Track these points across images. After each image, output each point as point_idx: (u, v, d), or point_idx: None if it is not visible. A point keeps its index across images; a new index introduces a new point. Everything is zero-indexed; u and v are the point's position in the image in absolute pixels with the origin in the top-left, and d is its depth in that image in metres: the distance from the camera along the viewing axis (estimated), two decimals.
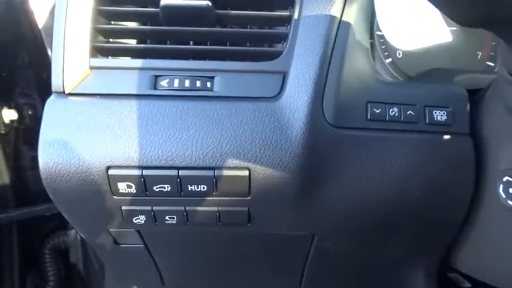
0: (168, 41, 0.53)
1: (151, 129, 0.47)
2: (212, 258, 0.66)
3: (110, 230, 0.55)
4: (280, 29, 0.52)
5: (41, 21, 0.85)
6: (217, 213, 0.51)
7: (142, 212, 0.50)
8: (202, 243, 0.61)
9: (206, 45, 0.52)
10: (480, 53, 0.61)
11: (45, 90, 0.86)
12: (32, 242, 0.91)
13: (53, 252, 0.93)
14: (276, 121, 0.47)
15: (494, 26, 0.39)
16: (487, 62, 0.60)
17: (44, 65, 0.85)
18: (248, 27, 0.54)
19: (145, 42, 0.53)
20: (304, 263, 0.64)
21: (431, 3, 0.38)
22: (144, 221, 0.51)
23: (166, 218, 0.51)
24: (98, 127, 0.46)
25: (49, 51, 0.86)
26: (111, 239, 0.57)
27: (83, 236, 0.58)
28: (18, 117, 0.85)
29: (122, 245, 0.59)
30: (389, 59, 0.59)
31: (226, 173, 0.47)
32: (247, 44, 0.53)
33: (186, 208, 0.50)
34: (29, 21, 0.82)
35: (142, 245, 0.59)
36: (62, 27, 0.49)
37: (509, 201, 0.44)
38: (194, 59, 0.51)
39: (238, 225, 0.53)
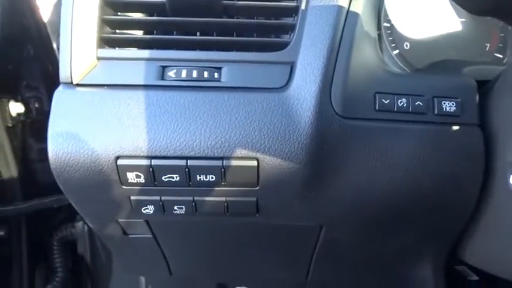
0: (174, 32, 0.53)
1: (159, 119, 0.47)
2: (220, 249, 0.66)
3: (119, 220, 0.55)
4: (288, 20, 0.52)
5: (45, 15, 0.86)
6: (226, 204, 0.51)
7: (151, 202, 0.51)
8: (210, 233, 0.61)
9: (213, 35, 0.52)
10: (488, 45, 0.60)
11: (51, 83, 0.87)
12: (40, 234, 0.92)
13: (61, 244, 0.94)
14: (284, 111, 0.47)
15: (505, 14, 0.39)
16: (496, 54, 0.60)
17: (50, 58, 0.85)
18: (255, 17, 0.54)
19: (152, 33, 0.53)
20: (311, 254, 0.64)
21: None
22: (153, 211, 0.51)
23: (175, 208, 0.51)
24: (106, 117, 0.47)
25: (54, 45, 0.86)
26: (120, 229, 0.58)
27: (92, 227, 0.59)
28: (25, 111, 0.85)
29: (130, 235, 0.59)
30: (397, 51, 0.58)
31: (234, 163, 0.47)
32: (254, 34, 0.53)
33: (195, 198, 0.50)
34: (34, 15, 0.82)
35: (150, 235, 0.60)
36: (69, 18, 0.49)
37: None
38: (201, 49, 0.51)
39: (247, 215, 0.53)
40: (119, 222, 0.56)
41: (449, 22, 0.59)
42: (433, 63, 0.58)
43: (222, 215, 0.52)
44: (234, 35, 0.53)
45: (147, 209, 0.51)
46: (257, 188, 0.49)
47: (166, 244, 0.63)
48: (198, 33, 0.53)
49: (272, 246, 0.65)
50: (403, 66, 0.58)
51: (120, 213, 0.53)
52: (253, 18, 0.54)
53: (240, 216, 0.53)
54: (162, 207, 0.51)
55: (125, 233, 0.59)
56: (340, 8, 0.50)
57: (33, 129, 0.88)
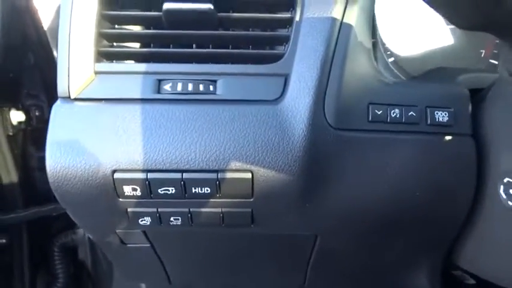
0: (171, 45, 0.54)
1: (155, 133, 0.47)
2: (217, 258, 0.67)
3: (117, 230, 0.56)
4: (282, 31, 0.53)
5: (46, 22, 0.86)
6: (221, 215, 0.51)
7: (147, 214, 0.51)
8: (207, 242, 0.62)
9: (209, 48, 0.53)
10: (483, 51, 0.61)
11: (51, 91, 0.87)
12: (41, 241, 0.93)
13: (62, 250, 0.95)
14: (278, 124, 0.48)
15: (495, 29, 0.39)
16: (491, 60, 0.60)
17: (50, 66, 0.86)
18: (250, 29, 0.54)
19: (149, 46, 0.54)
20: (308, 262, 0.65)
21: (433, 8, 0.38)
22: (150, 222, 0.52)
23: (171, 219, 0.52)
24: (104, 132, 0.47)
25: (55, 52, 0.87)
26: (118, 239, 0.58)
27: (90, 236, 0.59)
28: (26, 119, 0.86)
29: (128, 245, 0.60)
30: (392, 58, 0.59)
31: (229, 175, 0.47)
32: (250, 46, 0.53)
33: (191, 210, 0.51)
34: (34, 22, 0.82)
35: (148, 245, 0.60)
36: (67, 32, 0.50)
37: (509, 202, 0.44)
38: (197, 62, 0.52)
39: (242, 226, 0.54)
40: (116, 233, 0.57)
41: (442, 35, 0.59)
42: (428, 71, 0.59)
43: (218, 225, 0.53)
44: (230, 47, 0.53)
45: (144, 220, 0.52)
46: (252, 200, 0.50)
47: (164, 253, 0.63)
48: (194, 46, 0.54)
49: (269, 254, 0.65)
50: (398, 74, 0.58)
51: (117, 224, 0.54)
52: (249, 30, 0.54)
53: (236, 226, 0.54)
54: (159, 219, 0.51)
55: (123, 242, 0.59)
56: (334, 19, 0.50)
57: (33, 137, 0.89)
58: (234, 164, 0.47)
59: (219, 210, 0.51)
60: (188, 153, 0.47)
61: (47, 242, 0.94)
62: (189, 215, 0.51)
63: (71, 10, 0.50)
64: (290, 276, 0.72)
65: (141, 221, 0.52)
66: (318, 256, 0.63)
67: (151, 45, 0.54)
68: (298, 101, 0.48)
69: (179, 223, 0.52)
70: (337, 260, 0.65)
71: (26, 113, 0.87)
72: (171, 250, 0.64)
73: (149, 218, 0.51)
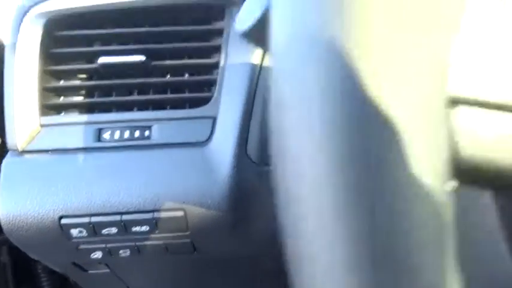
0: (114, 93, 0.58)
1: (96, 180, 0.52)
2: (176, 276, 0.73)
3: (75, 262, 0.62)
4: (211, 76, 0.57)
5: None
6: (165, 246, 0.57)
7: (98, 249, 0.56)
8: (163, 265, 0.68)
9: (149, 94, 0.57)
10: None
11: None
12: (25, 258, 0.98)
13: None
14: (206, 165, 0.53)
15: None
16: None
17: None
18: (186, 75, 0.58)
19: (92, 96, 0.58)
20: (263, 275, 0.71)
21: None
22: (102, 255, 0.57)
23: (120, 252, 0.57)
24: (50, 181, 0.52)
25: None
26: (78, 268, 0.64)
27: (52, 268, 0.65)
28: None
29: (89, 272, 0.66)
30: None
31: (164, 214, 0.52)
32: (186, 91, 0.57)
33: (136, 243, 0.56)
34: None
35: (108, 271, 0.66)
36: (11, 89, 0.54)
37: None
38: (138, 108, 0.56)
39: (186, 253, 0.59)
40: (75, 263, 0.62)
41: None
42: None
43: (164, 254, 0.58)
44: (169, 92, 0.57)
45: (96, 254, 0.57)
46: (188, 233, 0.55)
47: (125, 277, 0.69)
48: (136, 92, 0.58)
49: (224, 271, 0.71)
50: None
51: (73, 258, 0.60)
52: (184, 75, 0.58)
53: (180, 254, 0.59)
54: (109, 253, 0.57)
55: (84, 270, 0.65)
56: (254, 64, 0.54)
57: None
58: (167, 204, 0.52)
59: (161, 242, 0.56)
60: (126, 197, 0.52)
61: (30, 258, 0.99)
62: (136, 247, 0.57)
63: (13, 67, 0.54)
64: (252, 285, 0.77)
65: (93, 255, 0.57)
66: (269, 271, 0.68)
67: (95, 94, 0.58)
68: (223, 142, 0.53)
69: (128, 255, 0.58)
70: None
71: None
72: (131, 273, 0.69)
73: (100, 252, 0.57)
